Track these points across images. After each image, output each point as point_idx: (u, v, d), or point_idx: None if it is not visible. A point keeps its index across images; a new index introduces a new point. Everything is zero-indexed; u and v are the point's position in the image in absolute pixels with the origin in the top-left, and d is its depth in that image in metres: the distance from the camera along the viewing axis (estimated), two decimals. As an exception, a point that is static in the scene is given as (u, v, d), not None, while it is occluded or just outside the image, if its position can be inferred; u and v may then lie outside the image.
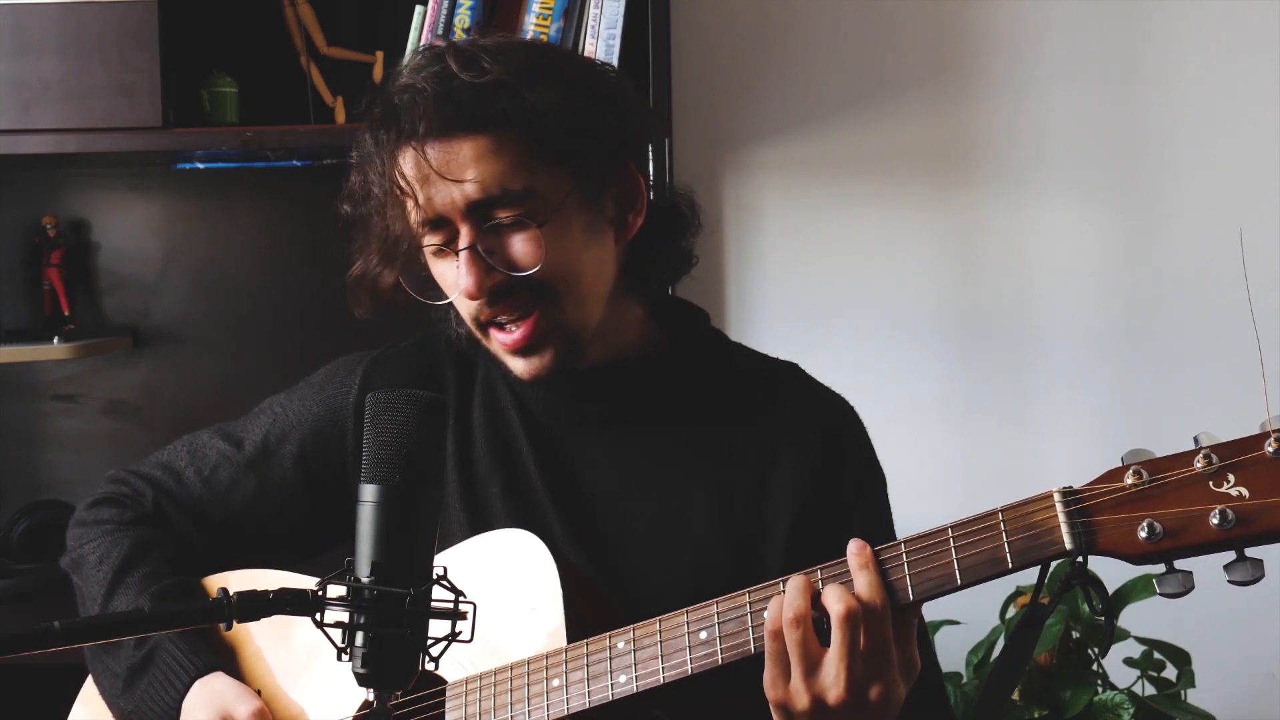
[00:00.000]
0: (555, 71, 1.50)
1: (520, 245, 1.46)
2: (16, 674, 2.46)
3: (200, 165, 2.62)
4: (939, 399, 2.69)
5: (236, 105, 2.48)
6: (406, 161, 1.45)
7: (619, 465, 1.56)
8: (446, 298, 1.52)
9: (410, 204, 1.46)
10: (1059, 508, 1.24)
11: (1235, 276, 2.61)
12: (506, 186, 1.45)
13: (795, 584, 1.31)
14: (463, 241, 1.46)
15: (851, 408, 1.61)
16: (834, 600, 1.29)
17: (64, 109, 2.34)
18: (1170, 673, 2.26)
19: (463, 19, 2.31)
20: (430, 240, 1.48)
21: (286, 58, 2.53)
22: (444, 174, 1.43)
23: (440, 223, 1.47)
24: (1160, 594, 1.22)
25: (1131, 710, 2.16)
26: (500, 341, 1.51)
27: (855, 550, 1.31)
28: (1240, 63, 2.63)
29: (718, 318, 2.66)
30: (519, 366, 1.52)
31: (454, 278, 1.49)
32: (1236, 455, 1.19)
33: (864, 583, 1.29)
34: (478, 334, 1.53)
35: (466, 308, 1.50)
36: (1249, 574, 1.18)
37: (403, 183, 1.45)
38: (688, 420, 1.57)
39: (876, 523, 1.56)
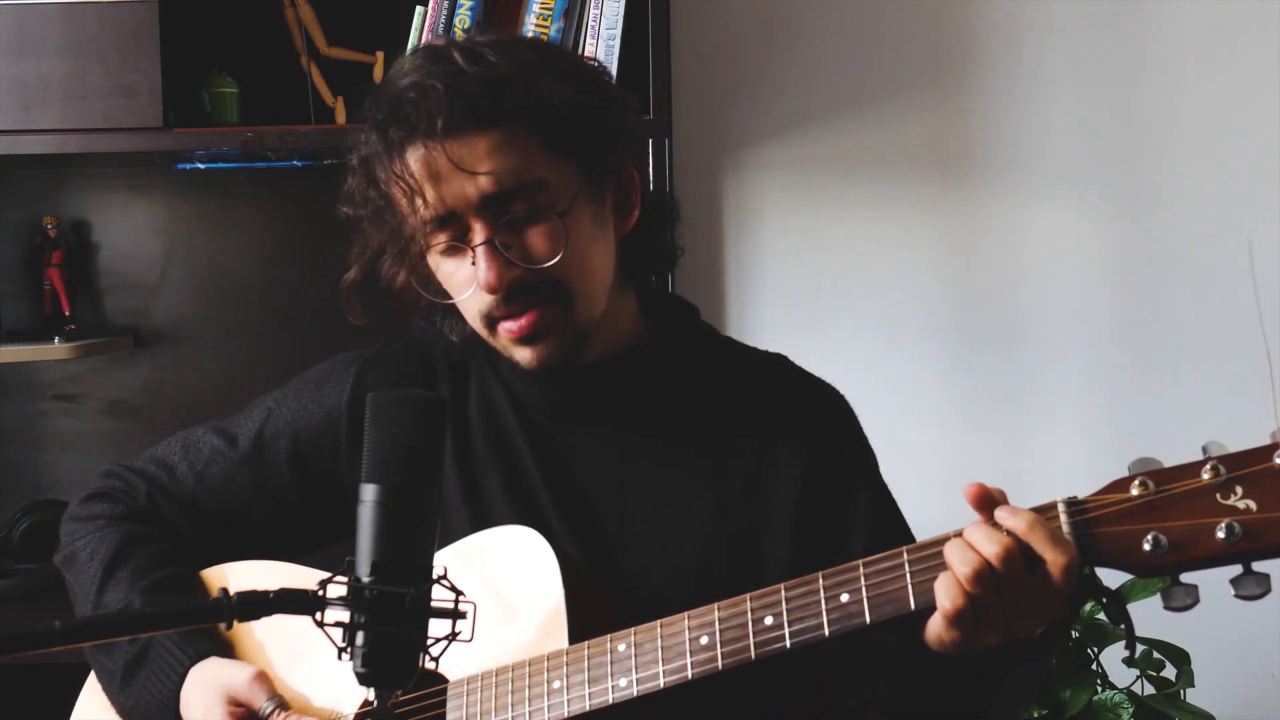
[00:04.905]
0: (558, 66, 1.52)
1: (538, 238, 1.46)
2: (16, 674, 2.46)
3: (201, 165, 2.62)
4: (939, 399, 2.69)
5: (237, 105, 2.48)
6: (417, 159, 1.45)
7: (615, 460, 1.57)
8: (453, 297, 1.52)
9: (420, 202, 1.45)
10: (1063, 519, 1.23)
11: (1236, 277, 2.62)
12: (521, 179, 1.45)
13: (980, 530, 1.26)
14: (479, 236, 1.46)
15: (843, 395, 1.62)
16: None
17: (64, 109, 2.34)
18: (1170, 672, 2.26)
19: (463, 19, 2.31)
20: (439, 239, 1.48)
21: (287, 58, 2.53)
22: (460, 169, 1.43)
23: (450, 220, 1.46)
24: (1166, 608, 1.20)
25: (1131, 710, 2.16)
26: (507, 330, 1.50)
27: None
28: (1240, 63, 2.63)
29: (718, 316, 2.67)
30: (525, 355, 1.51)
31: (465, 276, 1.48)
32: (1245, 467, 1.17)
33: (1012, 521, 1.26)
34: (485, 332, 1.52)
35: (478, 304, 1.49)
36: (1256, 589, 1.17)
37: (413, 180, 1.44)
38: (682, 413, 1.58)
39: (881, 501, 1.57)
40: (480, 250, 1.45)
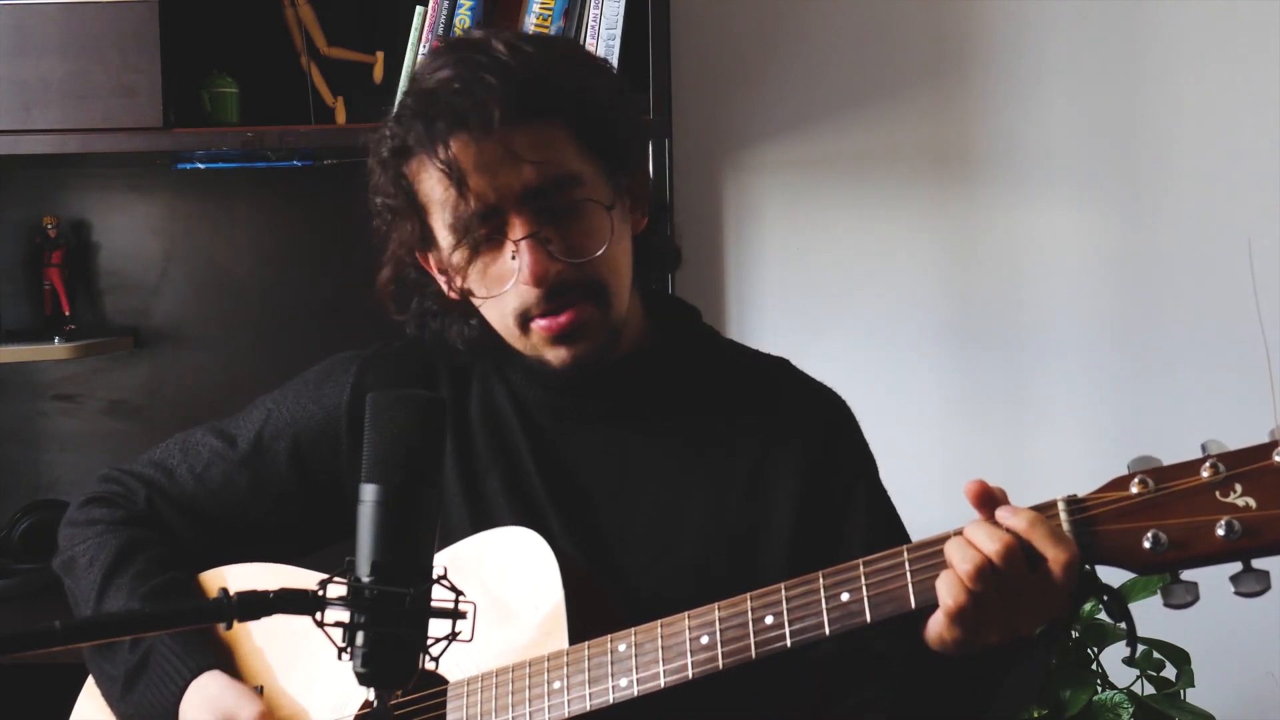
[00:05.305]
0: (591, 64, 1.54)
1: (580, 231, 1.46)
2: (16, 674, 2.46)
3: (201, 165, 2.62)
4: (939, 399, 2.69)
5: (237, 105, 2.48)
6: (463, 150, 1.43)
7: (616, 461, 1.57)
8: (480, 293, 1.50)
9: (463, 193, 1.44)
10: (1063, 516, 1.24)
11: (1236, 276, 2.62)
12: (563, 173, 1.45)
13: (980, 528, 1.25)
14: (522, 230, 1.45)
15: (843, 400, 1.63)
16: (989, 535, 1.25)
17: (64, 109, 2.34)
18: (1169, 672, 2.26)
19: (463, 19, 2.31)
20: (475, 234, 1.46)
21: (287, 58, 2.53)
22: (508, 160, 1.43)
23: (490, 214, 1.45)
24: (1166, 605, 1.21)
25: (1131, 710, 2.16)
26: (543, 328, 1.48)
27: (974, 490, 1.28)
28: (1241, 63, 2.63)
29: (718, 317, 2.67)
30: (560, 355, 1.50)
31: (498, 271, 1.47)
32: (1244, 465, 1.18)
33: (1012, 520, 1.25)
34: (516, 330, 1.50)
35: (517, 300, 1.48)
36: (1256, 586, 1.17)
37: (458, 172, 1.43)
38: (683, 416, 1.58)
39: (879, 505, 1.57)
40: (524, 244, 1.45)
